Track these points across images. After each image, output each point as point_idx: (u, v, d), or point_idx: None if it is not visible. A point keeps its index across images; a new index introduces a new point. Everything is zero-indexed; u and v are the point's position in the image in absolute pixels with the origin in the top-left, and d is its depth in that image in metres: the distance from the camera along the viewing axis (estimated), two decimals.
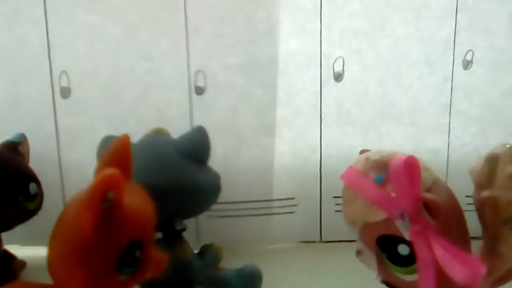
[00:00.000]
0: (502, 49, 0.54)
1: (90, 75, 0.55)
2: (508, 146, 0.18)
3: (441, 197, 0.17)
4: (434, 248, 0.15)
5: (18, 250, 0.45)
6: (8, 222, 0.42)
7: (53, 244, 0.24)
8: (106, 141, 0.44)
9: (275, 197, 0.58)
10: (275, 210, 0.58)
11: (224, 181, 0.47)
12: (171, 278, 0.42)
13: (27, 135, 0.48)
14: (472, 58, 0.55)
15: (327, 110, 0.56)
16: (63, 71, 0.55)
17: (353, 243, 0.64)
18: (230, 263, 0.45)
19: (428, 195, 0.16)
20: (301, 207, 0.58)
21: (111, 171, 0.22)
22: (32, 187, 0.44)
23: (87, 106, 0.55)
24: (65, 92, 0.55)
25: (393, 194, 0.17)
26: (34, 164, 0.46)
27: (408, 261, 0.17)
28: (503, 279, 0.18)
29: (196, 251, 0.47)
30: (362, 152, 0.20)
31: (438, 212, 0.16)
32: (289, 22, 0.55)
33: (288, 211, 0.58)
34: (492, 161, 0.17)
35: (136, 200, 0.26)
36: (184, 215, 0.45)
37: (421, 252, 0.16)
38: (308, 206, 0.58)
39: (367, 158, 0.18)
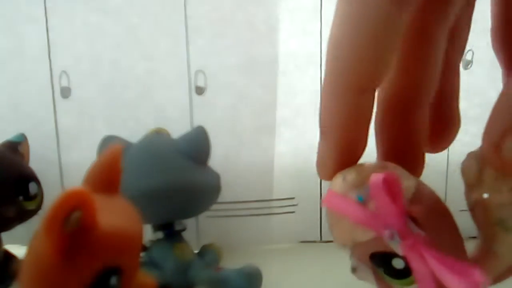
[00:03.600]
0: None
1: (90, 75, 0.55)
2: None
3: (426, 205, 0.16)
4: (428, 261, 0.15)
5: (18, 250, 0.45)
6: (8, 222, 0.42)
7: (21, 272, 0.21)
8: (106, 141, 0.45)
9: (275, 197, 0.58)
10: (275, 210, 0.58)
11: (224, 181, 0.47)
12: (171, 278, 0.42)
13: (27, 135, 0.48)
14: (472, 58, 0.55)
15: None
16: (63, 71, 0.55)
17: None
18: (230, 263, 0.45)
19: (413, 207, 0.16)
20: (301, 207, 0.58)
21: (76, 188, 0.19)
22: (32, 187, 0.43)
23: (87, 106, 0.55)
24: (65, 92, 0.55)
25: (376, 212, 0.16)
26: (34, 164, 0.46)
27: (405, 273, 0.16)
28: (499, 278, 0.17)
29: (196, 251, 0.47)
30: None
31: (425, 223, 0.16)
32: (289, 22, 0.55)
33: (288, 211, 0.58)
34: (480, 160, 0.17)
35: (116, 219, 0.23)
36: (184, 215, 0.45)
37: (417, 266, 0.15)
38: (308, 206, 0.58)
39: (344, 179, 0.17)
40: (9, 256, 0.45)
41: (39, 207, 0.44)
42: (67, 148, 0.56)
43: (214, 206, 0.48)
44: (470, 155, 0.18)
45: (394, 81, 0.18)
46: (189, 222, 0.48)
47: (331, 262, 0.53)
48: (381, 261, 0.17)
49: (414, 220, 0.16)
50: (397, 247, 0.16)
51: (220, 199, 0.48)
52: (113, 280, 0.22)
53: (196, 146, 0.44)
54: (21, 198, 0.42)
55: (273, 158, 0.57)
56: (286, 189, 0.58)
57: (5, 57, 0.54)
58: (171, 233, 0.44)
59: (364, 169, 0.17)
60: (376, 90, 0.17)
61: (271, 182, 0.58)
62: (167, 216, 0.44)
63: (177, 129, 0.47)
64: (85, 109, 0.55)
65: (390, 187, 0.15)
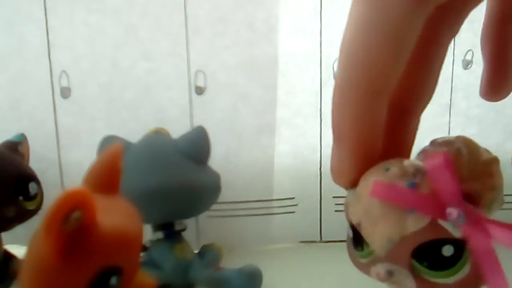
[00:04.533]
0: None
1: (90, 75, 0.55)
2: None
3: (477, 183, 0.16)
4: (493, 233, 0.15)
5: (18, 250, 0.45)
6: (8, 222, 0.42)
7: (21, 272, 0.21)
8: (106, 141, 0.45)
9: (275, 197, 0.58)
10: (275, 210, 0.58)
11: (224, 181, 0.47)
12: (171, 278, 0.42)
13: (27, 135, 0.48)
14: (472, 58, 0.55)
15: (327, 110, 0.56)
16: (63, 71, 0.55)
17: None
18: (230, 263, 0.45)
19: (467, 186, 0.16)
20: (301, 207, 0.58)
21: (76, 188, 0.19)
22: (32, 187, 0.43)
23: (87, 106, 0.55)
24: (65, 92, 0.55)
25: (432, 195, 0.16)
26: (34, 164, 0.46)
27: (452, 262, 0.16)
28: None
29: (196, 251, 0.47)
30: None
31: (480, 200, 0.16)
32: (289, 22, 0.55)
33: (288, 211, 0.58)
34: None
35: (116, 219, 0.23)
36: (184, 215, 0.45)
37: (481, 246, 0.15)
38: (308, 206, 0.58)
39: (387, 169, 0.17)
40: (9, 256, 0.45)
41: (39, 207, 0.44)
42: (67, 148, 0.56)
43: (214, 206, 0.48)
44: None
45: (397, 86, 0.18)
46: (189, 222, 0.48)
47: (331, 262, 0.53)
48: (429, 252, 0.16)
49: (468, 199, 0.16)
50: (457, 229, 0.15)
51: (220, 199, 0.48)
52: (113, 280, 0.22)
53: (196, 146, 0.44)
54: (21, 198, 0.42)
55: (273, 158, 0.57)
56: (286, 189, 0.58)
57: (5, 57, 0.54)
58: (171, 233, 0.44)
59: (401, 162, 0.17)
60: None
61: (271, 182, 0.58)
62: (167, 216, 0.44)
63: (177, 129, 0.47)
64: (85, 109, 0.55)
65: (450, 166, 0.15)
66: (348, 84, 0.16)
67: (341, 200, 0.61)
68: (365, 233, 0.18)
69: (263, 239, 0.58)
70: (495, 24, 0.19)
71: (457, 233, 0.15)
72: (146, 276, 0.25)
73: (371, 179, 0.17)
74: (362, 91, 0.16)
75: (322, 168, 0.57)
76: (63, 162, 0.56)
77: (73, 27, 0.54)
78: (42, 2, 0.53)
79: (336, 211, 0.57)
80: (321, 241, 0.59)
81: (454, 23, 0.17)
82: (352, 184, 0.18)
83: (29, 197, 0.43)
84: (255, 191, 0.57)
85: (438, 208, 0.15)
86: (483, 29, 0.20)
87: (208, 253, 0.48)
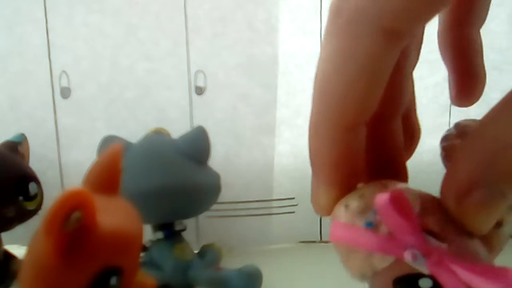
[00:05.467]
0: (502, 49, 0.54)
1: (90, 75, 0.55)
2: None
3: (437, 213, 0.15)
4: (459, 274, 0.14)
5: (18, 250, 0.45)
6: (8, 222, 0.42)
7: (21, 272, 0.21)
8: (106, 141, 0.45)
9: (275, 197, 0.58)
10: (275, 210, 0.58)
11: (224, 181, 0.47)
12: (171, 278, 0.42)
13: (27, 135, 0.48)
14: None
15: None
16: (63, 71, 0.55)
17: None
18: (230, 263, 0.45)
19: (426, 220, 0.15)
20: (301, 207, 0.58)
21: (76, 188, 0.19)
22: (32, 187, 0.43)
23: (87, 106, 0.55)
24: (65, 92, 0.55)
25: (389, 235, 0.15)
26: (34, 164, 0.46)
27: None
28: None
29: (196, 251, 0.47)
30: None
31: (443, 233, 0.15)
32: (289, 22, 0.55)
33: (288, 211, 0.58)
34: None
35: (116, 219, 0.23)
36: (184, 215, 0.45)
37: (448, 282, 0.14)
38: (308, 206, 0.58)
39: (346, 207, 0.17)
40: (9, 256, 0.45)
41: (39, 207, 0.44)
42: (67, 148, 0.56)
43: (214, 206, 0.48)
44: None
45: None
46: (189, 222, 0.48)
47: (331, 262, 0.53)
48: (406, 285, 0.16)
49: (430, 233, 0.15)
50: (422, 267, 0.15)
51: (220, 199, 0.48)
52: (113, 280, 0.22)
53: (196, 146, 0.44)
54: (21, 198, 0.42)
55: (273, 158, 0.57)
56: (286, 189, 0.58)
57: (5, 57, 0.54)
58: (171, 233, 0.44)
59: (365, 193, 0.16)
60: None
61: (271, 182, 0.58)
62: (167, 216, 0.44)
63: (177, 129, 0.47)
64: (85, 109, 0.55)
65: (399, 204, 0.15)
66: (321, 118, 0.16)
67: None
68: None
69: (263, 239, 0.58)
70: (451, 30, 0.19)
71: (425, 270, 0.15)
72: (146, 276, 0.25)
73: (333, 216, 0.17)
74: (335, 126, 0.16)
75: None
76: (63, 162, 0.56)
77: (73, 27, 0.54)
78: (42, 2, 0.53)
79: None
80: (321, 241, 0.59)
81: (415, 46, 0.18)
82: (329, 212, 0.18)
83: (29, 197, 0.43)
84: (255, 191, 0.57)
85: (396, 248, 0.15)
86: (439, 36, 0.20)
87: (208, 253, 0.48)
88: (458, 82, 0.20)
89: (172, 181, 0.41)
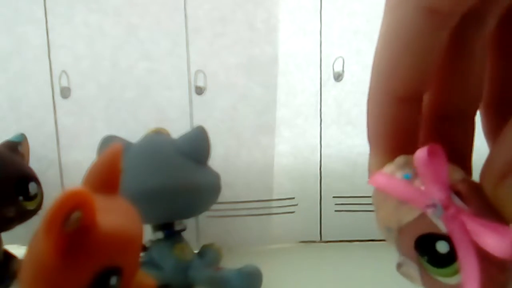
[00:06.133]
0: None
1: (90, 75, 0.55)
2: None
3: (473, 188, 0.16)
4: (469, 228, 0.15)
5: (18, 250, 0.45)
6: (8, 222, 0.42)
7: (20, 272, 0.22)
8: (106, 141, 0.45)
9: (275, 197, 0.58)
10: (275, 210, 0.58)
11: (224, 181, 0.47)
12: (171, 278, 0.42)
13: (27, 135, 0.48)
14: None
15: (327, 110, 0.56)
16: (63, 71, 0.55)
17: (354, 243, 0.64)
18: (230, 263, 0.45)
19: (459, 184, 0.16)
20: (301, 207, 0.58)
21: (76, 188, 0.19)
22: (32, 187, 0.43)
23: (87, 106, 0.55)
24: (65, 92, 0.55)
25: (422, 188, 0.16)
26: (34, 164, 0.46)
27: (449, 260, 0.16)
28: None
29: (196, 251, 0.47)
30: None
31: (470, 200, 0.15)
32: (289, 22, 0.55)
33: (288, 211, 0.58)
34: None
35: (116, 220, 0.23)
36: (184, 215, 0.45)
37: (459, 239, 0.15)
38: (308, 206, 0.58)
39: (393, 161, 0.17)
40: (9, 256, 0.45)
41: (39, 207, 0.44)
42: (67, 148, 0.56)
43: (214, 206, 0.48)
44: None
45: (432, 94, 0.18)
46: (189, 222, 0.48)
47: (331, 262, 0.53)
48: (425, 245, 0.16)
49: (459, 195, 0.16)
50: (440, 221, 0.15)
51: (220, 199, 0.48)
52: (113, 280, 0.22)
53: (196, 146, 0.44)
54: (21, 198, 0.42)
55: (273, 158, 0.57)
56: (286, 189, 0.58)
57: (5, 57, 0.54)
58: (171, 233, 0.44)
59: (412, 155, 0.17)
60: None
61: (271, 182, 0.58)
62: (167, 216, 0.44)
63: (177, 129, 0.47)
64: (85, 109, 0.55)
65: (434, 158, 0.15)
66: (376, 93, 0.17)
67: (341, 200, 0.61)
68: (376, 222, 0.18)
69: (263, 239, 0.58)
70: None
71: (443, 228, 0.15)
72: (146, 276, 0.26)
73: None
74: (388, 99, 0.17)
75: (322, 168, 0.57)
76: (63, 162, 0.56)
77: (73, 27, 0.54)
78: (42, 2, 0.53)
79: (336, 211, 0.57)
80: (321, 241, 0.59)
81: (480, 23, 0.18)
82: None
83: (29, 197, 0.43)
84: (255, 191, 0.57)
85: (423, 199, 0.16)
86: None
87: (208, 253, 0.48)
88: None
89: (172, 181, 0.41)
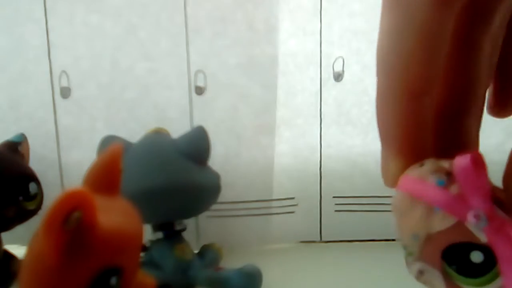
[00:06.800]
0: None
1: (90, 75, 0.55)
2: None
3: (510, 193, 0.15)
4: None
5: (18, 250, 0.45)
6: (8, 222, 0.42)
7: (21, 272, 0.22)
8: (106, 141, 0.45)
9: (275, 197, 0.58)
10: (275, 210, 0.58)
11: (224, 181, 0.47)
12: (171, 278, 0.42)
13: (27, 135, 0.48)
14: None
15: (327, 110, 0.56)
16: (63, 71, 0.55)
17: (354, 243, 0.64)
18: (230, 263, 0.45)
19: (498, 192, 0.15)
20: (301, 207, 0.58)
21: (76, 188, 0.19)
22: (32, 187, 0.43)
23: (87, 106, 0.55)
24: (65, 92, 0.55)
25: (457, 195, 0.15)
26: (34, 164, 0.46)
27: (482, 270, 0.15)
28: None
29: (196, 251, 0.47)
30: None
31: (511, 208, 0.15)
32: (289, 22, 0.55)
33: (288, 211, 0.58)
34: None
35: (116, 219, 0.23)
36: (184, 215, 0.45)
37: (504, 251, 0.14)
38: (308, 206, 0.58)
39: (421, 165, 0.17)
40: (9, 256, 0.45)
41: (39, 207, 0.44)
42: (67, 148, 0.56)
43: (214, 206, 0.48)
44: None
45: (441, 89, 0.18)
46: (189, 222, 0.48)
47: (331, 262, 0.53)
48: (457, 255, 0.15)
49: (499, 205, 0.15)
50: (481, 232, 0.15)
51: (220, 199, 0.48)
52: (113, 280, 0.22)
53: (196, 146, 0.44)
54: (21, 198, 0.42)
55: (273, 158, 0.57)
56: (286, 189, 0.58)
57: (5, 57, 0.54)
58: (171, 233, 0.44)
59: (440, 160, 0.17)
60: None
61: (271, 182, 0.58)
62: (167, 216, 0.44)
63: (177, 129, 0.47)
64: (85, 109, 0.55)
65: (478, 167, 0.15)
66: (387, 89, 0.17)
67: (341, 200, 0.61)
68: (396, 227, 0.17)
69: (263, 239, 0.58)
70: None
71: (483, 238, 0.15)
72: (146, 276, 0.26)
73: (405, 172, 0.17)
74: (401, 95, 0.16)
75: (322, 168, 0.57)
76: (63, 162, 0.56)
77: (73, 27, 0.54)
78: (42, 2, 0.53)
79: (336, 211, 0.57)
80: (321, 241, 0.59)
81: (486, 18, 0.18)
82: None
83: (29, 197, 0.43)
84: (255, 191, 0.57)
85: (463, 209, 0.15)
86: None
87: (208, 253, 0.48)
88: (497, 93, 0.20)
89: (172, 181, 0.41)
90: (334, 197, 0.57)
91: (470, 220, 0.15)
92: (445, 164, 0.16)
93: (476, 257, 0.15)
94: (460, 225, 0.15)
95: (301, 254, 0.57)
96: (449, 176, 0.16)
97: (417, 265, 0.17)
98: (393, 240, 0.58)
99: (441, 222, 0.15)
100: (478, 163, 0.15)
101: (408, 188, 0.16)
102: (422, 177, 0.16)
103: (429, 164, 0.16)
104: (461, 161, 0.15)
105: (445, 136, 0.18)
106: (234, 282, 0.42)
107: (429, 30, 0.15)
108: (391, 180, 0.18)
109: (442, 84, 0.18)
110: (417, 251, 0.17)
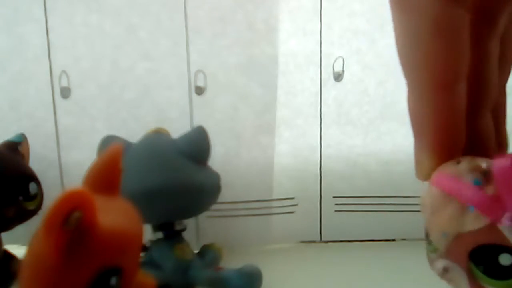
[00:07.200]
0: None
1: (90, 75, 0.55)
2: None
3: None
4: None
5: (18, 250, 0.45)
6: (8, 222, 0.42)
7: (21, 272, 0.22)
8: (106, 141, 0.45)
9: (275, 197, 0.58)
10: (275, 210, 0.58)
11: (224, 181, 0.47)
12: (171, 278, 0.42)
13: (27, 135, 0.48)
14: None
15: (327, 110, 0.56)
16: (63, 71, 0.55)
17: (354, 243, 0.64)
18: (230, 263, 0.45)
19: None
20: (301, 207, 0.58)
21: (76, 188, 0.19)
22: (32, 187, 0.43)
23: (87, 106, 0.55)
24: (65, 92, 0.55)
25: (493, 196, 0.15)
26: (34, 164, 0.46)
27: (510, 273, 0.15)
28: None
29: (196, 251, 0.47)
30: None
31: None
32: (289, 22, 0.55)
33: (288, 211, 0.58)
34: None
35: (116, 220, 0.23)
36: (184, 215, 0.45)
37: None
38: (308, 206, 0.58)
39: (458, 162, 0.16)
40: (9, 256, 0.45)
41: (39, 207, 0.44)
42: (67, 148, 0.56)
43: (214, 206, 0.48)
44: None
45: None
46: (189, 222, 0.48)
47: (331, 262, 0.53)
48: (485, 256, 0.15)
49: None
50: None
51: (220, 199, 0.48)
52: (113, 280, 0.22)
53: (196, 146, 0.44)
54: (21, 198, 0.42)
55: (273, 158, 0.57)
56: (286, 189, 0.58)
57: (5, 57, 0.54)
58: (171, 233, 0.44)
59: (477, 158, 0.16)
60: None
61: (271, 182, 0.58)
62: (167, 216, 0.44)
63: (177, 129, 0.47)
64: (85, 109, 0.55)
65: None
66: (418, 86, 0.17)
67: (341, 200, 0.61)
68: (425, 223, 0.17)
69: (263, 239, 0.58)
70: None
71: None
72: (146, 276, 0.26)
73: (441, 169, 0.17)
74: (432, 87, 0.17)
75: (322, 168, 0.57)
76: (63, 162, 0.56)
77: (73, 27, 0.54)
78: (42, 2, 0.53)
79: (336, 211, 0.57)
80: (321, 241, 0.59)
81: (493, 21, 0.18)
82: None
83: (29, 197, 0.43)
84: (255, 191, 0.57)
85: (498, 211, 0.15)
86: None
87: (208, 253, 0.48)
88: None
89: (172, 181, 0.41)
90: (334, 197, 0.57)
91: (504, 223, 0.15)
92: (482, 163, 0.16)
93: (505, 259, 0.15)
94: (492, 226, 0.15)
95: (301, 254, 0.57)
96: (486, 176, 0.15)
97: (442, 262, 0.17)
98: (393, 240, 0.58)
99: (473, 222, 0.15)
100: None
101: (443, 185, 0.16)
102: (458, 175, 0.16)
103: (466, 162, 0.16)
104: (500, 162, 0.15)
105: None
106: (234, 282, 0.42)
107: (443, 25, 0.16)
108: (425, 174, 0.18)
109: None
110: (444, 249, 0.16)
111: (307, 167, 0.57)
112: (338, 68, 0.56)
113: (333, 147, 0.57)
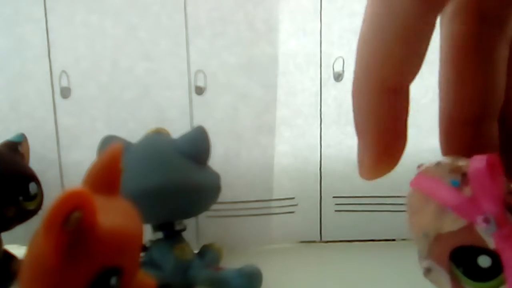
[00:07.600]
0: None
1: (90, 75, 0.55)
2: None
3: None
4: None
5: (18, 250, 0.45)
6: (8, 222, 0.42)
7: (21, 272, 0.22)
8: (106, 141, 0.45)
9: (275, 197, 0.58)
10: (275, 210, 0.58)
11: (224, 181, 0.47)
12: (171, 278, 0.42)
13: (27, 135, 0.48)
14: None
15: (327, 110, 0.56)
16: (63, 71, 0.55)
17: (354, 243, 0.64)
18: (230, 263, 0.45)
19: (510, 199, 0.15)
20: (301, 207, 0.58)
21: (76, 188, 0.19)
22: (32, 187, 0.43)
23: (87, 106, 0.55)
24: (65, 92, 0.55)
25: (470, 197, 0.15)
26: (34, 164, 0.46)
27: (489, 275, 0.15)
28: None
29: (196, 251, 0.47)
30: (420, 166, 0.19)
31: None
32: (289, 22, 0.55)
33: (288, 211, 0.58)
34: None
35: (116, 220, 0.23)
36: (184, 215, 0.45)
37: (510, 258, 0.14)
38: (308, 206, 0.58)
39: (438, 163, 0.16)
40: (9, 256, 0.45)
41: (39, 207, 0.44)
42: (67, 148, 0.56)
43: (214, 206, 0.48)
44: None
45: (453, 94, 0.18)
46: (189, 222, 0.48)
47: (331, 262, 0.53)
48: (464, 257, 0.15)
49: (510, 211, 0.15)
50: (489, 237, 0.15)
51: (220, 199, 0.48)
52: (113, 280, 0.22)
53: (196, 146, 0.44)
54: (21, 198, 0.42)
55: (273, 158, 0.57)
56: (286, 189, 0.58)
57: (5, 57, 0.54)
58: (171, 233, 0.44)
59: (460, 159, 0.16)
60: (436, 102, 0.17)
61: (271, 182, 0.58)
62: (167, 216, 0.44)
63: (177, 129, 0.47)
64: (85, 109, 0.55)
65: (492, 169, 0.14)
66: (363, 81, 0.17)
67: (341, 200, 0.61)
68: (407, 223, 0.17)
69: (263, 239, 0.58)
70: None
71: (491, 243, 0.15)
72: (146, 276, 0.26)
73: (421, 169, 0.17)
74: (376, 88, 0.16)
75: (322, 168, 0.57)
76: (63, 162, 0.56)
77: (73, 27, 0.54)
78: (42, 2, 0.53)
79: (336, 211, 0.57)
80: (321, 241, 0.59)
81: (501, 23, 0.17)
82: (375, 175, 0.18)
83: (29, 197, 0.43)
84: (255, 191, 0.57)
85: (474, 212, 0.15)
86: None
87: (208, 253, 0.48)
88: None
89: (172, 181, 0.41)
90: (334, 197, 0.57)
91: (480, 224, 0.15)
92: (462, 163, 0.16)
93: (484, 261, 0.15)
94: (470, 228, 0.15)
95: (301, 254, 0.57)
96: (464, 177, 0.15)
97: (426, 263, 0.17)
98: (393, 240, 0.58)
99: (452, 223, 0.15)
100: (494, 166, 0.15)
101: (422, 186, 0.16)
102: (437, 175, 0.16)
103: (446, 163, 0.16)
104: (476, 163, 0.15)
105: (462, 142, 0.18)
106: (234, 282, 0.42)
107: (410, 27, 0.15)
108: (368, 173, 0.18)
109: (458, 89, 0.18)
110: (426, 249, 0.17)
111: (307, 167, 0.57)
112: (338, 68, 0.56)
113: (333, 147, 0.57)
